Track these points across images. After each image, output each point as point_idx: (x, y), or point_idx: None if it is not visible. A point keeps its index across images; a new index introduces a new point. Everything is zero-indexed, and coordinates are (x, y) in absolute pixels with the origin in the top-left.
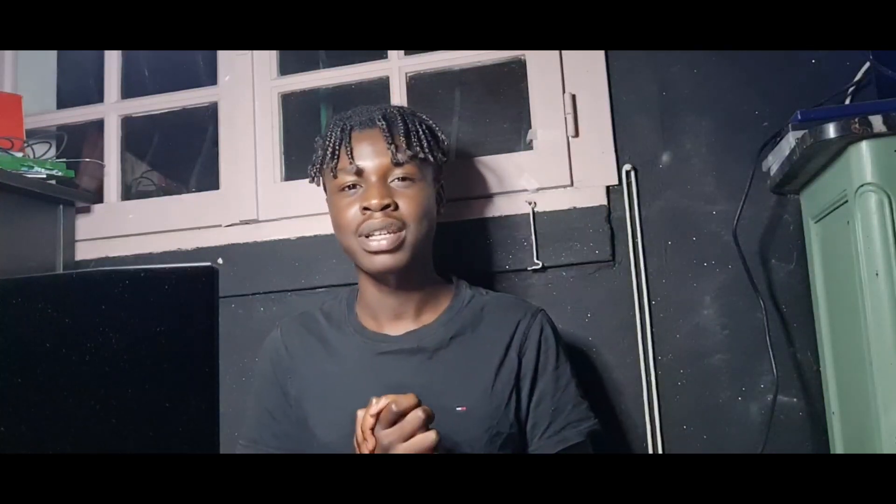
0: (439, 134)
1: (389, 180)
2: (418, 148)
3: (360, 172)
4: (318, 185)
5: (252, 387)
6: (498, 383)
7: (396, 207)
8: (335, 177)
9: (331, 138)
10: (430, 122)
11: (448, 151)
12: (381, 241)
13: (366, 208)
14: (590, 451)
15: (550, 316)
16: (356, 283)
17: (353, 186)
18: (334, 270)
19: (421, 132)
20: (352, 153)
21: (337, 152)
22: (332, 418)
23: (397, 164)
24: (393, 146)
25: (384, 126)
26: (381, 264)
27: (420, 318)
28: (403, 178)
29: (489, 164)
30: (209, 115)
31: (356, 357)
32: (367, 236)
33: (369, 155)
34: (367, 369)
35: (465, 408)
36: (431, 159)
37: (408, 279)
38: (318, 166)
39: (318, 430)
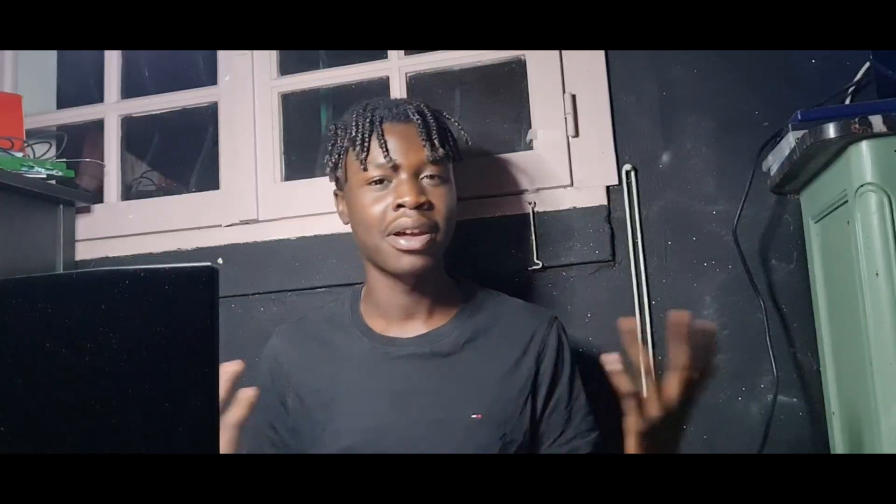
0: (461, 132)
1: (420, 178)
2: (448, 147)
3: (395, 167)
4: (332, 179)
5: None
6: (513, 390)
7: (430, 206)
8: (365, 169)
9: (359, 128)
10: (451, 119)
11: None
12: (412, 241)
13: (399, 205)
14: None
15: None
16: (356, 284)
17: (381, 181)
18: (334, 270)
19: (448, 130)
20: (386, 144)
21: (367, 144)
22: (340, 426)
23: (433, 162)
24: (427, 143)
25: (419, 121)
26: (409, 265)
27: (431, 320)
28: (433, 177)
29: (489, 164)
30: (209, 115)
31: (364, 361)
32: (397, 234)
33: (404, 150)
34: (377, 374)
35: (479, 415)
36: (459, 159)
37: (425, 280)
38: (338, 157)
39: (327, 440)
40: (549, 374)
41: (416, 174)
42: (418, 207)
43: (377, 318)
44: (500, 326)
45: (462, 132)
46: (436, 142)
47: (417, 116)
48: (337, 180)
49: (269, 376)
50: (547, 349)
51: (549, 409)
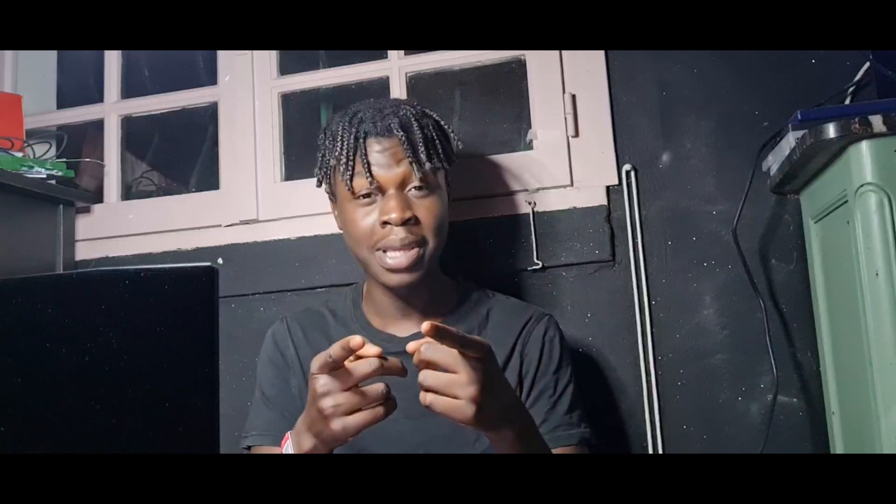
0: (451, 134)
1: (406, 189)
2: (436, 158)
3: (378, 185)
4: (326, 190)
5: (256, 380)
6: None
7: (417, 221)
8: (350, 188)
9: (343, 146)
10: (441, 121)
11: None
12: (399, 258)
13: (385, 222)
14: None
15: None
16: (356, 283)
17: (368, 195)
18: (334, 270)
19: (437, 138)
20: (368, 165)
21: (352, 163)
22: None
23: (417, 176)
24: (413, 159)
25: (403, 137)
26: (397, 281)
27: (426, 319)
28: (420, 188)
29: (489, 164)
30: (209, 115)
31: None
32: (384, 251)
33: (387, 166)
34: None
35: None
36: (448, 167)
37: (418, 285)
38: (325, 172)
39: None
40: (535, 365)
41: (402, 187)
42: (404, 223)
43: (376, 315)
44: (493, 324)
45: (456, 140)
46: (422, 156)
47: (401, 132)
48: (329, 191)
49: (279, 355)
50: (531, 340)
51: (532, 398)
